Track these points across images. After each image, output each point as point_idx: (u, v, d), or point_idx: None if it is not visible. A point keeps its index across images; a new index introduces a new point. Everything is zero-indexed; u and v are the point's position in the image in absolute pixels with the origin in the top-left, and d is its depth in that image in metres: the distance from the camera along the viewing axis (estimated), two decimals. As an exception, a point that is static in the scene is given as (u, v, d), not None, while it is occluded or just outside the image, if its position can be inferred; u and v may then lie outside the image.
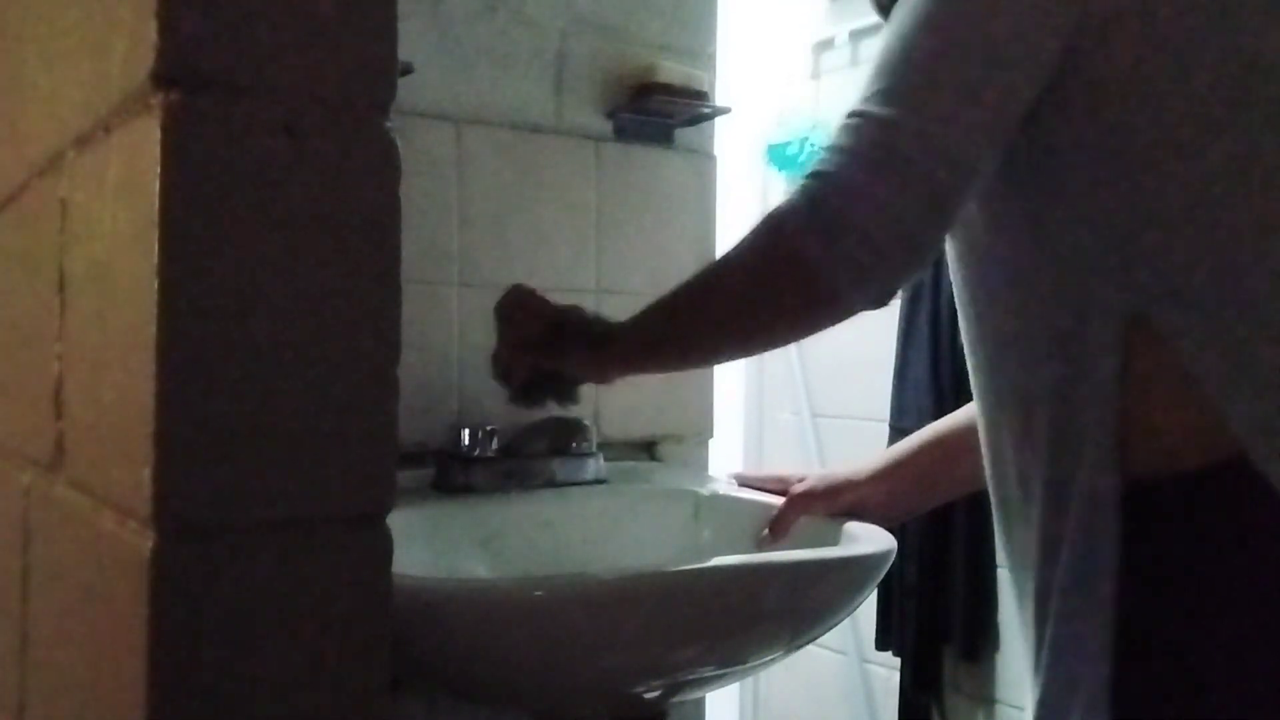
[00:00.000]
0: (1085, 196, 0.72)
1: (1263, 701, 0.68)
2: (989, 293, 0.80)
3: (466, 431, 1.12)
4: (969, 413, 1.00)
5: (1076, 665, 0.72)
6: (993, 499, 0.84)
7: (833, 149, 0.74)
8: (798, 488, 1.05)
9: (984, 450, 0.84)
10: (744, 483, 1.16)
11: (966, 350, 0.85)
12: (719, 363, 0.86)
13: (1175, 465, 0.70)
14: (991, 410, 0.82)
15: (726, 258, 0.80)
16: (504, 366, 0.94)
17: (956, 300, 0.84)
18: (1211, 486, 0.70)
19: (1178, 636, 0.70)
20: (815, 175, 0.74)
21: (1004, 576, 1.89)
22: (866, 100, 0.73)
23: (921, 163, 0.70)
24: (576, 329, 0.89)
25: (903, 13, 0.74)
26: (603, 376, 0.93)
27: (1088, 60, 0.70)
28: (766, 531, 1.05)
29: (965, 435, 0.94)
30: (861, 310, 0.74)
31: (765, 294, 0.77)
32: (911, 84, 0.72)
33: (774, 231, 0.76)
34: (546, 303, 0.92)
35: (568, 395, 0.95)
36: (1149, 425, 0.71)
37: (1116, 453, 0.70)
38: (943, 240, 0.75)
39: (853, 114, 0.73)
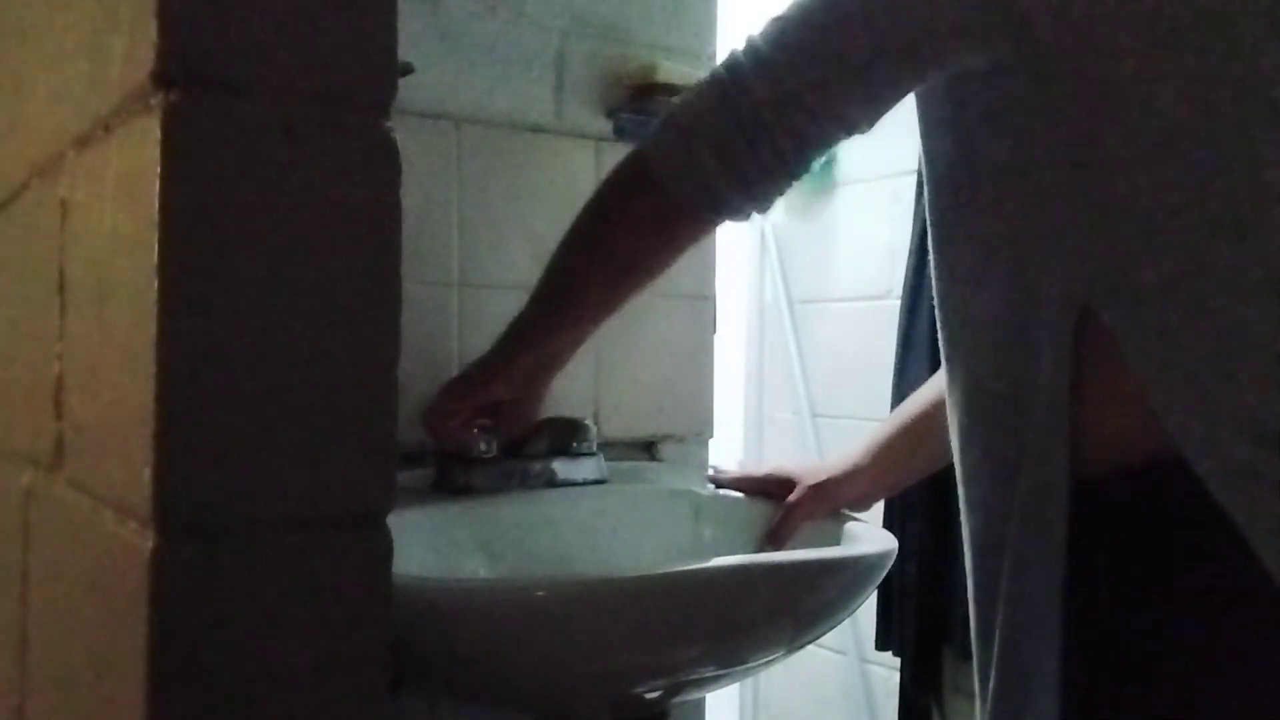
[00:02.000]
0: (1045, 187, 0.72)
1: (1203, 698, 0.68)
2: (952, 274, 0.81)
3: (467, 431, 1.11)
4: (929, 391, 1.02)
5: (1027, 663, 0.72)
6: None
7: (691, 94, 0.84)
8: (791, 498, 1.06)
9: (951, 435, 0.85)
10: (720, 484, 1.15)
11: (939, 333, 0.85)
12: (612, 299, 0.95)
13: (1119, 462, 0.71)
14: (950, 396, 0.83)
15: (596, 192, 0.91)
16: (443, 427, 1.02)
17: (933, 284, 0.86)
18: (1151, 484, 0.70)
19: (1122, 635, 0.70)
20: (680, 100, 0.84)
21: (1004, 576, 1.89)
22: (759, 39, 0.80)
23: (773, 116, 0.77)
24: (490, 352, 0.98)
25: None
26: (526, 353, 0.98)
27: (1046, 54, 0.70)
28: (768, 543, 1.05)
29: (929, 415, 0.98)
30: (710, 220, 0.86)
31: (623, 209, 0.87)
32: (798, 46, 0.78)
33: (630, 161, 0.87)
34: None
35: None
36: (1096, 420, 0.71)
37: (1065, 446, 0.71)
38: (778, 189, 0.84)
39: (739, 51, 0.81)
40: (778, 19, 0.79)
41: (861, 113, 0.78)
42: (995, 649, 0.75)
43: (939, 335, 0.85)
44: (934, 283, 0.84)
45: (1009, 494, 0.74)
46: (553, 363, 0.99)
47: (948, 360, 0.82)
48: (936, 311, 0.84)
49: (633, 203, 0.86)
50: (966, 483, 0.80)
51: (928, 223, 0.84)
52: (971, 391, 0.79)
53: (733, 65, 0.81)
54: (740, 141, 0.79)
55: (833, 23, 0.76)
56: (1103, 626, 0.70)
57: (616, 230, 0.88)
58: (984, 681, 0.77)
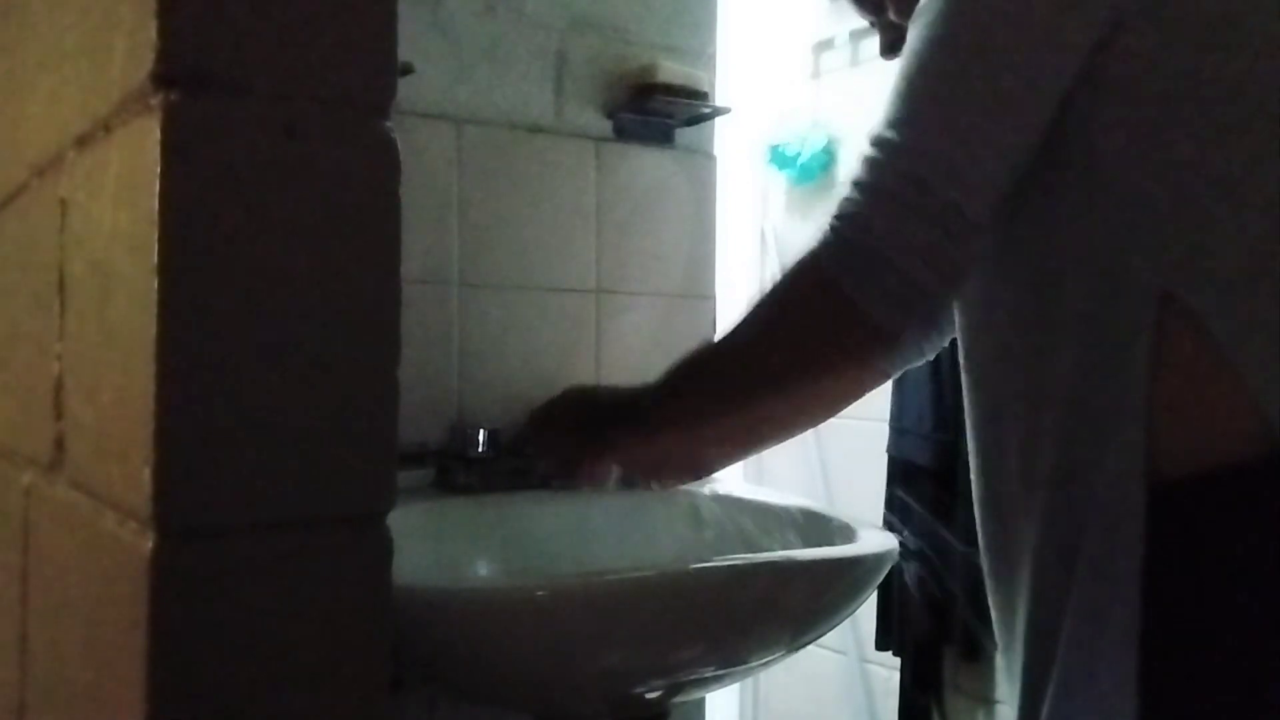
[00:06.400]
0: (1114, 173, 0.71)
1: None
2: (997, 277, 0.78)
3: (467, 431, 1.12)
4: None
5: (1097, 676, 0.70)
6: (979, 510, 0.82)
7: (857, 184, 0.74)
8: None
9: (973, 459, 0.82)
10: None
11: (960, 346, 0.83)
12: (765, 422, 0.87)
13: (1205, 459, 0.68)
14: (990, 411, 0.80)
15: (763, 307, 0.81)
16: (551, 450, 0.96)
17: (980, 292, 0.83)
18: (1247, 484, 0.68)
19: (1207, 640, 0.68)
20: (843, 216, 0.75)
21: (1004, 576, 1.89)
22: (886, 127, 0.74)
23: (946, 193, 0.71)
24: (613, 413, 0.90)
25: (916, 33, 0.74)
26: (653, 448, 0.92)
27: (1118, 44, 0.70)
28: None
29: None
30: (912, 337, 0.78)
31: (814, 337, 0.78)
32: (928, 109, 0.73)
33: (812, 277, 0.76)
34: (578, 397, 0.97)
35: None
36: (1176, 416, 0.69)
37: (1143, 444, 0.68)
38: (978, 257, 0.76)
39: (873, 143, 0.74)
40: (897, 101, 0.74)
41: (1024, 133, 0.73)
42: (1058, 659, 0.72)
43: (964, 353, 0.83)
44: (981, 290, 0.81)
45: (1077, 505, 0.72)
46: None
47: (988, 373, 0.80)
48: (966, 323, 0.82)
49: (837, 341, 0.77)
50: (1019, 492, 0.78)
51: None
52: (1026, 404, 0.76)
53: (882, 170, 0.74)
54: (966, 258, 0.74)
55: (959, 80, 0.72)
56: (1185, 636, 0.68)
57: (810, 361, 0.80)
58: (1031, 692, 0.75)
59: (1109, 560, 0.70)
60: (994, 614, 0.82)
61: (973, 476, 0.83)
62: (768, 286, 0.81)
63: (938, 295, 0.74)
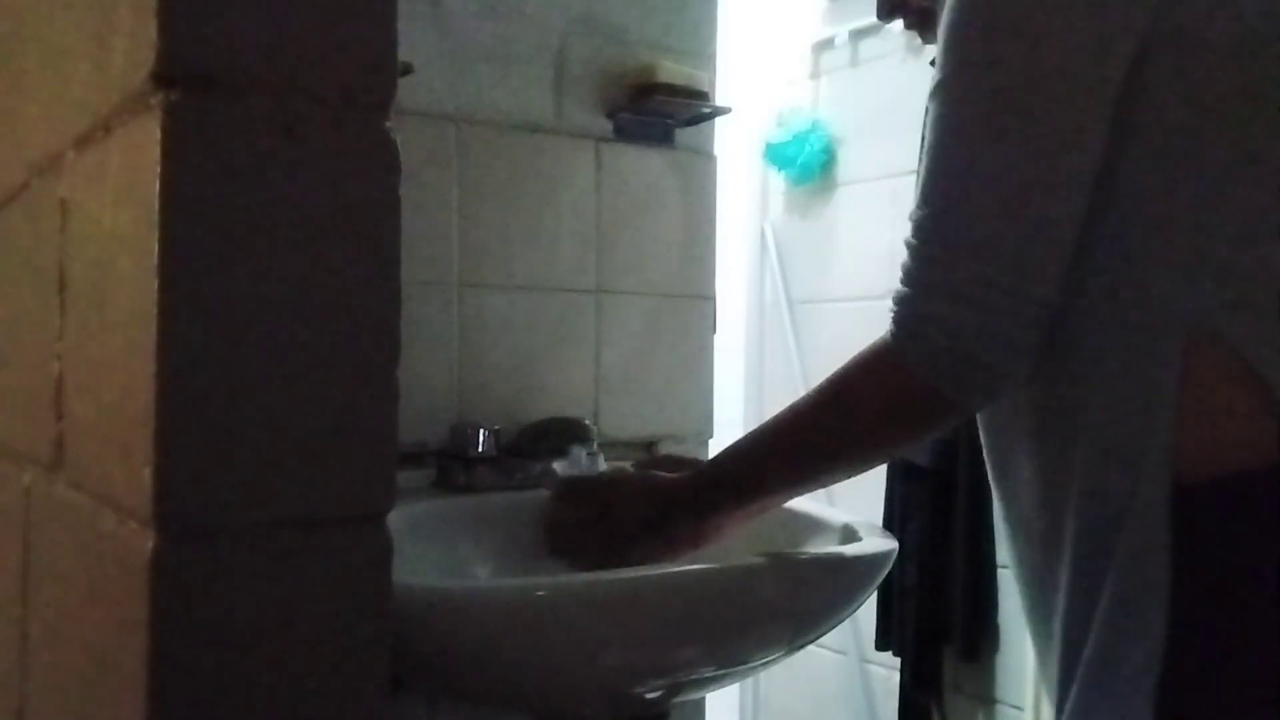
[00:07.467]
0: (1146, 204, 0.71)
1: None
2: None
3: (467, 431, 1.12)
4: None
5: (1119, 688, 0.70)
6: (1005, 526, 0.83)
7: (918, 280, 0.73)
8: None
9: (993, 477, 0.83)
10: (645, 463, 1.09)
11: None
12: (830, 483, 0.87)
13: (1225, 468, 0.69)
14: (1011, 431, 0.80)
15: (833, 395, 0.80)
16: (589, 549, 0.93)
17: None
18: (1267, 487, 0.69)
19: (1228, 636, 0.68)
20: (918, 317, 0.73)
21: (1005, 576, 1.89)
22: (932, 216, 0.72)
23: (1018, 285, 0.70)
24: (681, 508, 0.88)
25: (944, 95, 0.72)
26: (715, 532, 0.91)
27: (1141, 75, 0.69)
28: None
29: None
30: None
31: (895, 421, 0.78)
32: (976, 192, 0.71)
33: (901, 379, 0.75)
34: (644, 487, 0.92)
35: None
36: (1201, 432, 0.69)
37: (1169, 463, 0.69)
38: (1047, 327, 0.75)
39: (923, 233, 0.72)
40: (930, 190, 0.72)
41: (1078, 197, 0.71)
42: (1082, 662, 0.73)
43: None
44: None
45: (1105, 523, 0.72)
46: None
47: (1011, 398, 0.80)
48: None
49: (919, 423, 0.78)
50: (1032, 521, 0.79)
51: None
52: (1053, 424, 0.76)
53: (930, 262, 0.72)
54: (1037, 334, 0.72)
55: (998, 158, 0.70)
56: (1207, 634, 0.69)
57: (887, 439, 0.81)
58: (1061, 696, 0.75)
59: (1136, 574, 0.70)
60: (1030, 629, 0.83)
61: (995, 503, 0.83)
62: (838, 388, 0.80)
63: (1019, 374, 0.74)
